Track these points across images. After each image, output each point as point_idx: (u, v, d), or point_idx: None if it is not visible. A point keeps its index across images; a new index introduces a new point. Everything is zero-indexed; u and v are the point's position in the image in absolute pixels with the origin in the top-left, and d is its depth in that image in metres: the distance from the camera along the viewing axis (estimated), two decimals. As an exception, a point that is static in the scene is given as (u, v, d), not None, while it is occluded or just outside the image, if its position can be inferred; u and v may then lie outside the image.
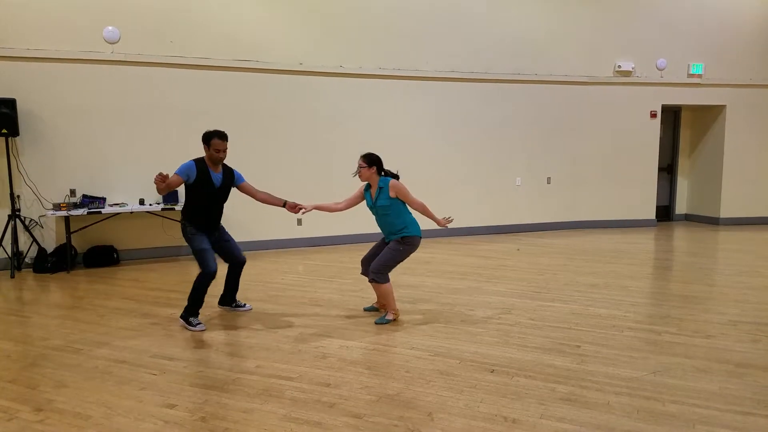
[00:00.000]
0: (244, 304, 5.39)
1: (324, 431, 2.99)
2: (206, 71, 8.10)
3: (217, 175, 4.85)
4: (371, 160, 4.90)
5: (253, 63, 8.32)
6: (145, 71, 7.80)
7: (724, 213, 10.97)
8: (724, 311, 5.17)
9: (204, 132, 4.82)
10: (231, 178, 4.98)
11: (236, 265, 5.19)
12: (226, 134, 4.77)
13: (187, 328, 4.80)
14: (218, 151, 4.72)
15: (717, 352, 4.13)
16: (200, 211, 4.80)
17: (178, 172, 4.69)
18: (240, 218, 8.37)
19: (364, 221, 9.21)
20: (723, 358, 4.02)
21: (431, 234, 9.71)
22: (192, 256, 8.06)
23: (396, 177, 5.03)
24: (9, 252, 7.12)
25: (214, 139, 4.72)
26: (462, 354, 4.12)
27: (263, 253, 8.38)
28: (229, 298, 5.34)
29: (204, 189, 4.76)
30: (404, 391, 3.49)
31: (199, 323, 4.81)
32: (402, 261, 4.90)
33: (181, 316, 4.87)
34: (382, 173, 4.98)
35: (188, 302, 4.82)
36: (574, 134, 10.45)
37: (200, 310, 4.90)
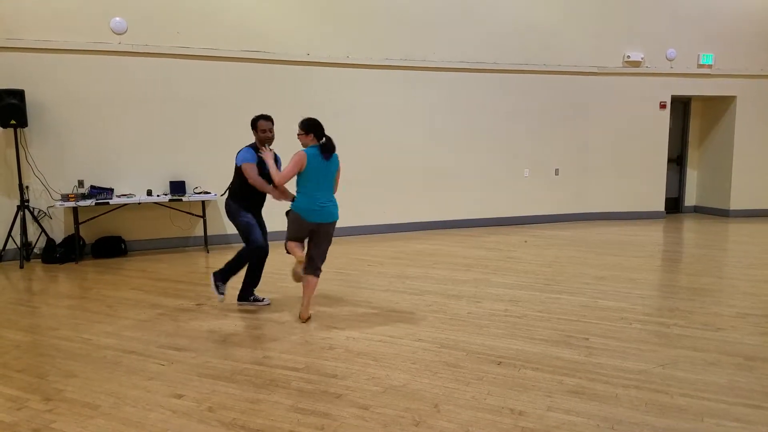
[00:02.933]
0: (263, 299, 5.32)
1: (331, 422, 3.00)
2: (213, 62, 8.09)
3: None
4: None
5: (260, 53, 8.30)
6: (152, 62, 7.79)
7: (734, 205, 10.89)
8: (733, 304, 5.14)
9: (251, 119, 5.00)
10: (278, 160, 5.13)
11: (262, 256, 5.19)
12: (270, 116, 5.00)
13: (211, 287, 5.03)
14: (264, 131, 4.91)
15: (726, 345, 4.10)
16: (250, 193, 4.97)
17: (247, 160, 4.87)
18: (247, 209, 8.39)
19: (370, 214, 9.22)
20: (732, 350, 4.00)
21: (437, 226, 9.70)
22: (193, 247, 8.08)
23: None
24: (18, 242, 7.16)
25: (260, 121, 4.94)
26: (469, 346, 4.12)
27: (270, 244, 8.38)
28: (248, 292, 5.28)
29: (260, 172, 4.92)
30: (411, 382, 3.49)
31: (222, 293, 5.00)
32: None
33: (215, 273, 5.02)
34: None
35: (225, 266, 5.01)
36: (582, 125, 10.38)
37: (198, 306, 4.92)
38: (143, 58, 7.74)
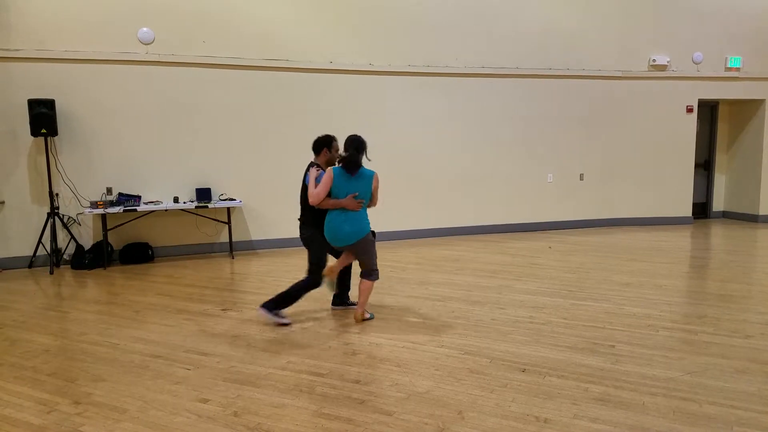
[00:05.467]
0: (355, 303, 5.27)
1: (354, 427, 3.01)
2: (238, 70, 8.20)
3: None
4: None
5: (283, 62, 8.38)
6: (178, 71, 7.92)
7: (764, 210, 10.66)
8: (763, 311, 5.03)
9: (323, 137, 4.97)
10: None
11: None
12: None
13: (273, 319, 4.82)
14: (337, 149, 4.93)
15: (756, 353, 4.02)
16: (322, 215, 4.82)
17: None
18: (270, 215, 8.47)
19: (393, 220, 9.23)
20: (762, 358, 3.91)
21: (460, 232, 9.67)
22: (218, 253, 8.16)
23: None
24: (48, 249, 7.32)
25: (335, 142, 4.96)
26: (492, 353, 4.10)
27: (294, 250, 8.45)
28: (342, 297, 5.34)
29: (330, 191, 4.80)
30: (434, 389, 3.48)
31: (285, 317, 4.91)
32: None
33: (267, 307, 4.79)
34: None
35: (280, 298, 4.80)
36: (607, 130, 10.27)
37: (223, 311, 4.96)
38: (170, 67, 7.87)
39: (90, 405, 3.33)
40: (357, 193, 4.66)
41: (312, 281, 4.81)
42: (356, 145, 4.67)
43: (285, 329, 4.72)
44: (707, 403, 3.23)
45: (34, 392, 3.52)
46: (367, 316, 4.95)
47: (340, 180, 4.64)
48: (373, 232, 4.82)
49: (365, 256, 4.80)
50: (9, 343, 4.46)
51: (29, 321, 5.07)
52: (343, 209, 4.65)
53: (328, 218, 4.69)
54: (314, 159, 4.98)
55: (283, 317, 4.85)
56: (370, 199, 4.81)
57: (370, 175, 4.74)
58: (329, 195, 4.65)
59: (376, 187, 4.79)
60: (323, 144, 4.94)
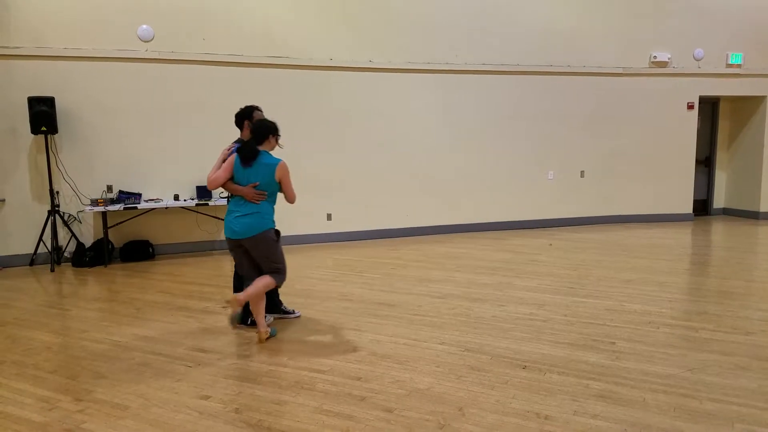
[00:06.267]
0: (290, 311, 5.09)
1: (355, 424, 3.01)
2: (238, 68, 8.19)
3: None
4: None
5: (284, 59, 8.37)
6: (178, 69, 7.92)
7: (764, 207, 10.65)
8: (764, 307, 5.03)
9: (243, 108, 4.66)
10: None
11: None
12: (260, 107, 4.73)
13: (285, 317, 4.88)
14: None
15: (756, 349, 4.02)
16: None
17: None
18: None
19: (392, 217, 9.23)
20: (762, 355, 3.91)
21: (461, 229, 9.66)
22: (219, 250, 8.16)
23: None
24: (49, 246, 7.32)
25: (256, 111, 4.63)
26: (493, 350, 4.10)
27: (294, 247, 8.45)
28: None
29: None
30: (435, 385, 3.49)
31: (293, 310, 4.96)
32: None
33: (270, 313, 4.85)
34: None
35: (271, 304, 4.84)
36: (608, 127, 10.26)
37: (224, 308, 4.93)
38: (169, 65, 7.87)
39: (91, 402, 3.34)
40: (258, 183, 4.18)
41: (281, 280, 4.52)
42: (257, 134, 4.25)
43: (285, 327, 4.72)
44: (708, 400, 3.24)
45: (36, 389, 3.53)
46: (248, 320, 4.48)
47: (238, 166, 4.21)
48: (277, 231, 4.34)
49: (265, 261, 4.28)
50: (10, 341, 4.47)
51: (30, 319, 5.07)
52: (243, 198, 4.21)
53: (228, 208, 4.30)
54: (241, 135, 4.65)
55: (291, 311, 4.91)
56: (277, 193, 4.32)
57: (273, 164, 4.20)
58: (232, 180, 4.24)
59: (282, 178, 4.23)
60: (243, 116, 4.60)
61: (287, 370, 3.78)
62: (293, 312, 5.01)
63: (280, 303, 5.00)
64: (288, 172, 4.27)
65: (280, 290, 5.65)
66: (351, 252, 8.03)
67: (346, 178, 8.84)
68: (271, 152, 4.37)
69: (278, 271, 4.34)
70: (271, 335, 4.44)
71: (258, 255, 4.27)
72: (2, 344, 4.40)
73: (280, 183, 4.24)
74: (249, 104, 4.75)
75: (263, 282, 4.25)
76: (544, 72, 9.78)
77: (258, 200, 4.19)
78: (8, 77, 7.21)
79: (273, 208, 4.32)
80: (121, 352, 4.19)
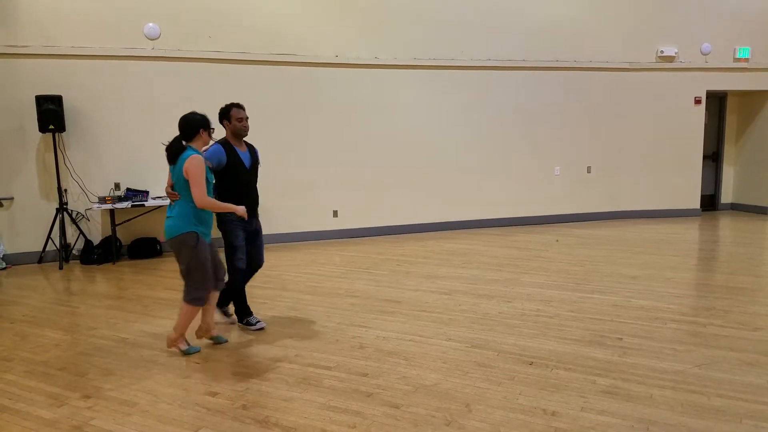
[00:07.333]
0: (232, 314, 4.84)
1: (362, 420, 3.02)
2: (244, 65, 8.20)
3: (244, 154, 4.45)
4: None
5: (290, 57, 8.38)
6: (184, 66, 7.93)
7: (773, 202, 10.61)
8: (772, 303, 5.01)
9: (219, 109, 4.47)
10: (257, 155, 4.61)
11: (253, 270, 4.69)
12: (242, 104, 4.46)
13: (249, 329, 4.58)
14: (240, 119, 4.34)
15: (764, 345, 4.01)
16: (236, 200, 4.37)
17: (207, 158, 4.19)
18: (277, 210, 8.48)
19: (399, 213, 9.23)
20: (771, 351, 3.90)
21: (467, 225, 9.65)
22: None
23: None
24: (57, 244, 7.36)
25: (233, 109, 4.36)
26: (500, 346, 4.10)
27: (300, 244, 8.47)
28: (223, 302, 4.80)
29: (236, 173, 4.37)
30: (442, 382, 3.49)
31: (258, 321, 4.59)
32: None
33: (239, 321, 4.62)
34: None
35: (236, 306, 4.59)
36: (615, 122, 10.22)
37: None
38: (176, 62, 7.88)
39: (100, 399, 3.36)
40: (173, 183, 3.92)
41: (233, 276, 4.45)
42: (182, 129, 3.96)
43: (290, 324, 4.73)
44: (716, 396, 3.23)
45: (45, 386, 3.56)
46: (182, 347, 4.05)
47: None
48: (197, 235, 3.89)
49: (181, 266, 3.95)
50: (20, 338, 4.50)
51: (39, 316, 5.11)
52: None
53: None
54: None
55: (255, 323, 4.58)
56: (186, 190, 3.86)
57: (184, 158, 3.82)
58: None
59: (189, 174, 3.77)
60: (221, 116, 4.45)
61: (294, 366, 3.79)
62: (257, 323, 4.59)
63: (248, 310, 4.64)
64: (196, 168, 3.77)
65: (279, 290, 5.67)
66: (358, 248, 8.04)
67: (353, 174, 8.84)
68: (203, 147, 4.12)
69: (189, 287, 3.96)
70: (186, 351, 4.08)
71: (179, 262, 3.95)
72: (12, 341, 4.44)
73: (186, 177, 3.79)
74: (231, 102, 4.52)
75: (182, 311, 3.99)
76: (551, 67, 9.74)
77: (172, 200, 3.91)
78: (16, 76, 7.24)
79: (191, 209, 3.87)
80: (129, 348, 4.22)
